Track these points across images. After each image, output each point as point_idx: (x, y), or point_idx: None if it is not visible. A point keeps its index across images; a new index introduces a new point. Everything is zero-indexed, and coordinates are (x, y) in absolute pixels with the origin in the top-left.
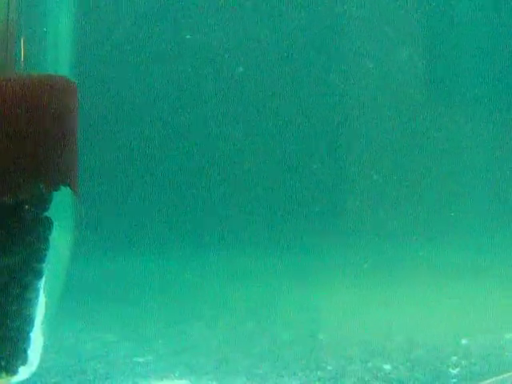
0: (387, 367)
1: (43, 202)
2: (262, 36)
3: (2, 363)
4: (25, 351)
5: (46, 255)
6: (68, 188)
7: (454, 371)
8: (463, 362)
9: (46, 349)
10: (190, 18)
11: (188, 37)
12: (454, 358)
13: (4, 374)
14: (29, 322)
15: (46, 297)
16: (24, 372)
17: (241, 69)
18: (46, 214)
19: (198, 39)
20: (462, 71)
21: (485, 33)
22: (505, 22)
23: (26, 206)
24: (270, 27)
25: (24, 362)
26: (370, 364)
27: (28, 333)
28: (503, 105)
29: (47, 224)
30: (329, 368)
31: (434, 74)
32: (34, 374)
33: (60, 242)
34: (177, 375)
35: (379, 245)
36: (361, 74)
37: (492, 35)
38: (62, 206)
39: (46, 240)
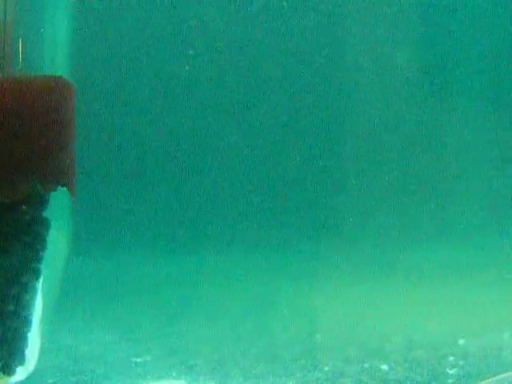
0: (384, 368)
1: (41, 203)
2: (261, 36)
3: (0, 363)
4: (22, 351)
5: (43, 255)
6: (65, 188)
7: (452, 371)
8: (461, 362)
9: (43, 349)
10: (191, 17)
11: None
12: (452, 359)
13: (1, 374)
14: (26, 322)
15: (43, 297)
16: (21, 372)
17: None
18: (44, 214)
19: (199, 38)
20: (463, 70)
21: (488, 30)
22: (507, 19)
23: (24, 207)
24: (268, 28)
25: (21, 362)
26: (367, 364)
27: (25, 333)
28: (506, 105)
29: (45, 224)
30: (326, 368)
31: (436, 74)
32: (32, 375)
33: (57, 242)
34: (174, 375)
35: (376, 245)
36: (359, 72)
37: (496, 33)
38: (59, 206)
39: (44, 240)
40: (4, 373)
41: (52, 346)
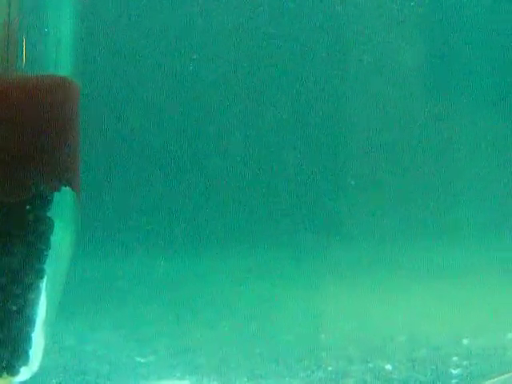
0: (388, 367)
1: (44, 202)
2: (264, 37)
3: (3, 363)
4: (26, 352)
5: (47, 255)
6: (69, 188)
7: (455, 371)
8: (464, 362)
9: (47, 349)
10: (194, 16)
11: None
12: (455, 359)
13: (5, 375)
14: (30, 322)
15: (47, 297)
16: (25, 372)
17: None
18: (48, 213)
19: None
20: (464, 71)
21: (489, 31)
22: (507, 20)
23: (28, 206)
24: (267, 27)
25: (25, 362)
26: (371, 364)
27: (29, 333)
28: (506, 106)
29: (48, 224)
30: (330, 368)
31: (437, 74)
32: (35, 375)
33: (61, 241)
34: (178, 376)
35: (379, 244)
36: (359, 72)
37: (496, 34)
38: (63, 206)
39: (47, 240)
40: (8, 373)
41: (56, 345)
